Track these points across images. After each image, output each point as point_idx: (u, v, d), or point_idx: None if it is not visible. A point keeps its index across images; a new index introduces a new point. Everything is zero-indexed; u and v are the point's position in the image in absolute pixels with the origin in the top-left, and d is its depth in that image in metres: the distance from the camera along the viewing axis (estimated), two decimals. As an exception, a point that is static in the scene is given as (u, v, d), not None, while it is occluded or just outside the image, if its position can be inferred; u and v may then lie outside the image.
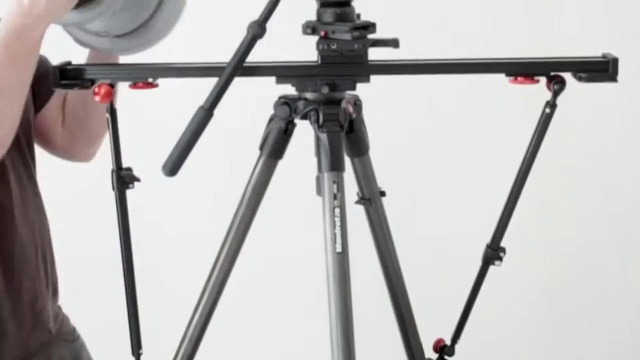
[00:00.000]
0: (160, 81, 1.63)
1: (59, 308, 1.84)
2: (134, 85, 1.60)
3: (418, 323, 1.82)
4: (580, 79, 1.59)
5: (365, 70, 1.59)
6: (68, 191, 2.66)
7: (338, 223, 1.57)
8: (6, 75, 1.50)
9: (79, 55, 1.72)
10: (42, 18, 1.49)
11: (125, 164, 1.69)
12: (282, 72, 1.60)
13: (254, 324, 3.01)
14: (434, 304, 2.56)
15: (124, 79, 1.63)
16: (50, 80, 1.59)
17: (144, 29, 1.65)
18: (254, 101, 2.02)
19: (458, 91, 2.82)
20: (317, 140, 1.61)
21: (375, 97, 1.74)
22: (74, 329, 1.86)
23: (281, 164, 1.66)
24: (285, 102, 1.62)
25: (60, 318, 1.83)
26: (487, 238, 1.73)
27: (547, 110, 1.62)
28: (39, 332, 1.75)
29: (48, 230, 1.79)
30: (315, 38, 1.58)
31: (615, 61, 1.59)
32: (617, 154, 2.94)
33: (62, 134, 1.78)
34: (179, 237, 2.99)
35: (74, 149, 1.82)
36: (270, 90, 1.63)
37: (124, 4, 1.59)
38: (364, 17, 1.60)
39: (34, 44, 1.52)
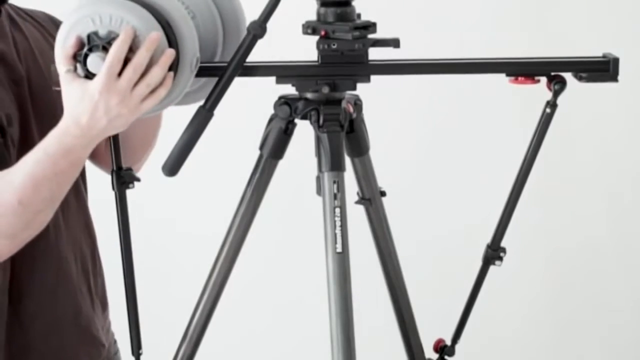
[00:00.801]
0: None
1: (110, 323, 1.82)
2: (135, 86, 1.59)
3: (418, 323, 1.81)
4: (580, 79, 1.59)
5: (366, 70, 1.59)
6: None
7: (338, 223, 1.57)
8: (47, 188, 1.47)
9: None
10: (96, 139, 1.45)
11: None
12: (282, 72, 1.60)
13: (254, 324, 3.01)
14: (434, 304, 2.57)
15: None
16: None
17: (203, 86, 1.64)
18: (254, 101, 2.02)
19: (458, 91, 2.82)
20: (317, 140, 1.61)
21: (375, 97, 1.74)
22: (115, 342, 1.84)
23: (281, 164, 1.66)
24: (285, 102, 1.62)
25: (111, 333, 1.82)
26: (487, 238, 1.73)
27: (548, 110, 1.62)
28: (90, 346, 1.73)
29: (94, 243, 1.76)
30: (315, 38, 1.58)
31: (615, 61, 1.59)
32: (617, 153, 2.94)
33: (105, 152, 1.77)
34: (179, 237, 2.99)
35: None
36: (270, 90, 1.63)
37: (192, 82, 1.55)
38: (365, 17, 1.60)
39: (81, 160, 1.49)
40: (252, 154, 1.67)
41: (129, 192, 1.70)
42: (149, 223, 2.83)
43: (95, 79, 1.41)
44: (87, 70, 1.42)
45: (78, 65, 1.42)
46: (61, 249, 1.66)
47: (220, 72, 1.52)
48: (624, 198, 2.97)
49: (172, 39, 1.46)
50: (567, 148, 2.90)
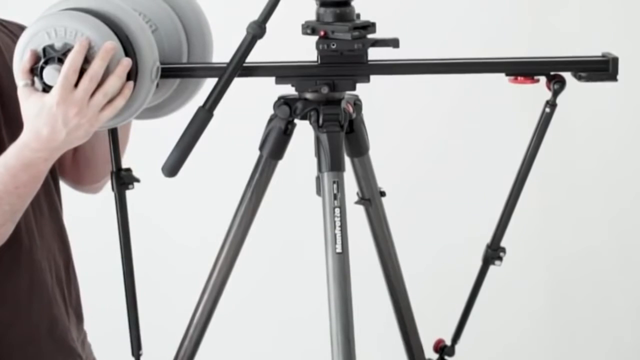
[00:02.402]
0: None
1: (85, 335, 1.80)
2: (134, 86, 1.60)
3: (418, 323, 1.81)
4: (580, 78, 1.59)
5: (365, 70, 1.59)
6: (68, 192, 2.66)
7: (338, 223, 1.57)
8: (7, 202, 1.48)
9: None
10: (57, 152, 1.46)
11: (124, 165, 1.69)
12: (281, 72, 1.60)
13: (254, 324, 3.01)
14: (434, 304, 2.56)
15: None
16: None
17: (170, 99, 1.65)
18: (254, 101, 2.02)
19: (458, 91, 2.82)
20: (317, 140, 1.61)
21: (375, 97, 1.74)
22: (91, 353, 1.83)
23: (281, 164, 1.66)
24: (285, 102, 1.62)
25: (87, 345, 1.81)
26: (487, 238, 1.73)
27: (547, 110, 1.62)
28: (67, 357, 1.71)
29: (68, 254, 1.75)
30: (314, 38, 1.58)
31: (615, 60, 1.58)
32: (617, 153, 2.94)
33: (71, 166, 1.77)
34: (178, 238, 2.99)
35: (79, 182, 1.79)
36: (270, 90, 1.63)
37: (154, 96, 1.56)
38: (364, 17, 1.60)
39: (42, 173, 1.49)
40: (251, 154, 1.67)
41: (128, 193, 1.70)
42: (149, 223, 2.83)
43: (52, 91, 1.42)
44: (44, 83, 1.43)
45: (36, 79, 1.44)
46: (35, 255, 1.65)
47: (220, 72, 1.53)
48: (625, 197, 2.97)
49: (129, 49, 1.47)
50: (567, 147, 2.90)
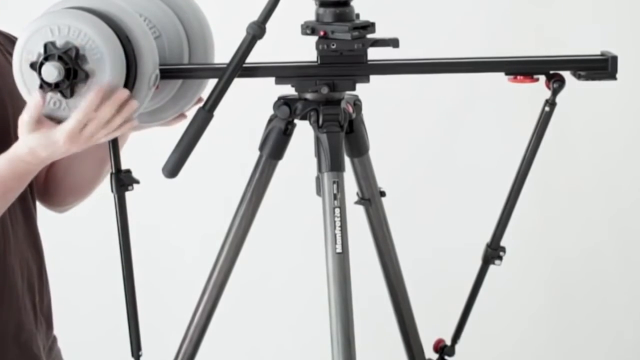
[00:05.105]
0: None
1: (54, 340, 1.79)
2: (134, 87, 1.60)
3: (418, 323, 1.82)
4: (579, 77, 1.59)
5: (365, 70, 1.59)
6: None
7: (338, 223, 1.57)
8: None
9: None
10: (46, 162, 1.49)
11: (124, 166, 1.69)
12: (281, 72, 1.60)
13: (254, 324, 3.01)
14: (434, 304, 2.57)
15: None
16: None
17: (170, 102, 1.65)
18: (254, 101, 2.02)
19: (458, 90, 2.82)
20: (317, 140, 1.61)
21: (375, 97, 1.74)
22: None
23: (281, 164, 1.66)
24: (284, 102, 1.62)
25: (55, 351, 1.79)
26: (487, 237, 1.73)
27: (547, 109, 1.62)
28: None
29: (41, 261, 1.74)
30: (314, 38, 1.58)
31: (614, 59, 1.58)
32: (617, 151, 2.94)
33: (42, 182, 1.76)
34: (179, 238, 2.99)
35: (47, 198, 1.78)
36: (270, 90, 1.63)
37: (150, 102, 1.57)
38: (364, 17, 1.60)
39: (31, 178, 1.53)
40: (252, 155, 1.67)
41: (128, 194, 1.70)
42: (149, 224, 2.83)
43: (61, 130, 1.43)
44: (42, 79, 1.43)
45: (34, 74, 1.43)
46: (8, 260, 1.64)
47: (220, 72, 1.53)
48: (624, 195, 2.97)
49: (130, 54, 1.46)
50: (567, 146, 2.90)
